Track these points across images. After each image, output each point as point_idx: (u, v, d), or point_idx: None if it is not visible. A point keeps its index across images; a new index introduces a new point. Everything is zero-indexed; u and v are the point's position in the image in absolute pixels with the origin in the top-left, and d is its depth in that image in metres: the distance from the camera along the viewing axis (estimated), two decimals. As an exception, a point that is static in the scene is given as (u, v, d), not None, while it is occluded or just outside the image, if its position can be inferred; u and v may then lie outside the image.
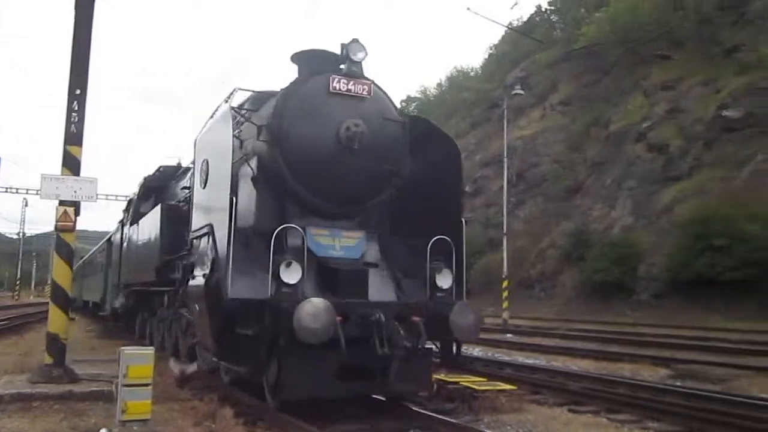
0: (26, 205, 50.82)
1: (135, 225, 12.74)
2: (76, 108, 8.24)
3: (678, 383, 9.24)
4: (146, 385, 5.58)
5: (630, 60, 35.05)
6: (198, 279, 6.69)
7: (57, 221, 8.33)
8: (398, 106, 8.08)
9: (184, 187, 10.20)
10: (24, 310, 33.32)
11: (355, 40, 7.15)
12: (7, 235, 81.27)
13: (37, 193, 14.91)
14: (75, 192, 8.23)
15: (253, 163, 7.06)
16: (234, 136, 6.59)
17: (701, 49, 30.91)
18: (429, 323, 6.42)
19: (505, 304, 22.91)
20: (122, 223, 15.33)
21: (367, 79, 7.20)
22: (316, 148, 6.81)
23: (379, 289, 7.02)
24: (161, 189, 12.89)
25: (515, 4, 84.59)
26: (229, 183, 6.15)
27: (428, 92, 61.38)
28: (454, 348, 7.34)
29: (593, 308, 24.64)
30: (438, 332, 6.70)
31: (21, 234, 57.74)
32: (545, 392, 8.63)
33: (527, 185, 36.37)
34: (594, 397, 8.10)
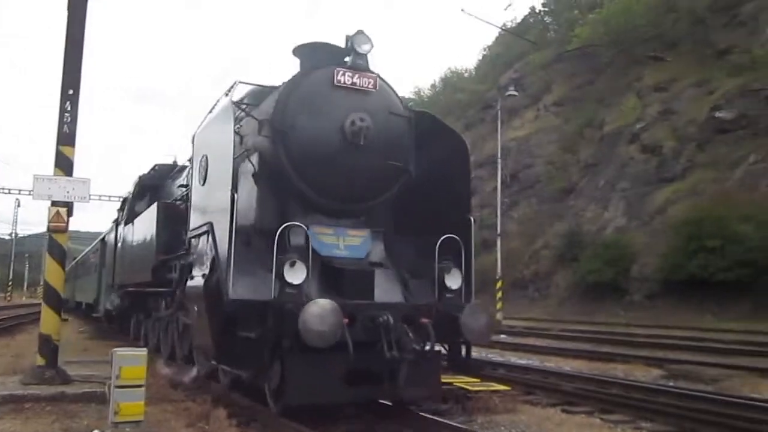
0: (18, 206, 50.52)
1: (130, 224, 12.56)
2: (69, 108, 8.17)
3: (671, 383, 9.27)
4: (139, 386, 5.54)
5: (623, 61, 35.17)
6: (197, 279, 6.54)
7: (49, 222, 8.26)
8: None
9: (181, 185, 10.03)
10: (16, 311, 33.06)
11: (360, 32, 6.83)
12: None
13: (29, 194, 14.81)
14: (68, 192, 8.16)
15: (254, 159, 6.75)
16: (234, 131, 6.32)
17: (694, 51, 31.07)
18: (438, 325, 6.20)
19: (498, 305, 22.95)
20: (117, 223, 15.17)
21: (373, 72, 6.88)
22: (320, 144, 6.53)
23: (386, 289, 6.73)
24: (157, 188, 12.69)
25: (509, 5, 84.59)
26: (231, 179, 5.88)
27: (422, 93, 61.21)
28: (463, 351, 7.05)
29: (586, 309, 24.73)
30: (447, 334, 6.50)
31: (13, 235, 57.52)
32: (538, 393, 8.63)
33: (521, 186, 36.45)
34: (587, 397, 8.11)
